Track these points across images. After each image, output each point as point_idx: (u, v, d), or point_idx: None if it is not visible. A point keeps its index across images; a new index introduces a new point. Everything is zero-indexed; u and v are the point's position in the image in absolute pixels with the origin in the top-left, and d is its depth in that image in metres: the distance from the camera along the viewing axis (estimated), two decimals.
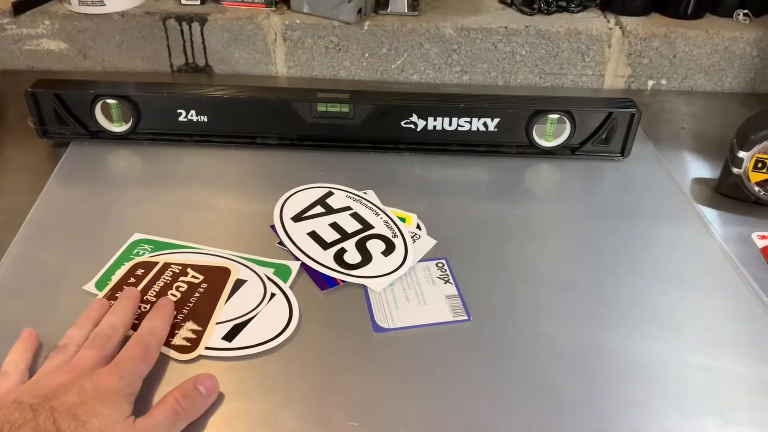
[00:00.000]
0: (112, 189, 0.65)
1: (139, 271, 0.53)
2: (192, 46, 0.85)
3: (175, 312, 0.49)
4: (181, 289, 0.52)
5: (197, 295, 0.51)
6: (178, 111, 0.69)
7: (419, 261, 0.57)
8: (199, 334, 0.48)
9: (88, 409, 0.38)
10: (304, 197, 0.63)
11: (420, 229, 0.61)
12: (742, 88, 0.88)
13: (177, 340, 0.47)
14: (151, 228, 0.59)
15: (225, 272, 0.53)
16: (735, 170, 0.64)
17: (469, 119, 0.69)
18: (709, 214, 0.65)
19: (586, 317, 0.52)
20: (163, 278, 0.53)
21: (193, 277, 0.53)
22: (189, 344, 0.47)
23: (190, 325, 0.49)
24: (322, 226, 0.59)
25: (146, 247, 0.57)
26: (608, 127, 0.69)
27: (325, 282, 0.54)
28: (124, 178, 0.68)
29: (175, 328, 0.48)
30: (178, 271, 0.53)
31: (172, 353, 0.47)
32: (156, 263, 0.54)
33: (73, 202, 0.63)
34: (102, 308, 0.48)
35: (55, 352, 0.44)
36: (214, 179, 0.67)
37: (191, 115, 0.69)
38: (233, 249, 0.56)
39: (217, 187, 0.66)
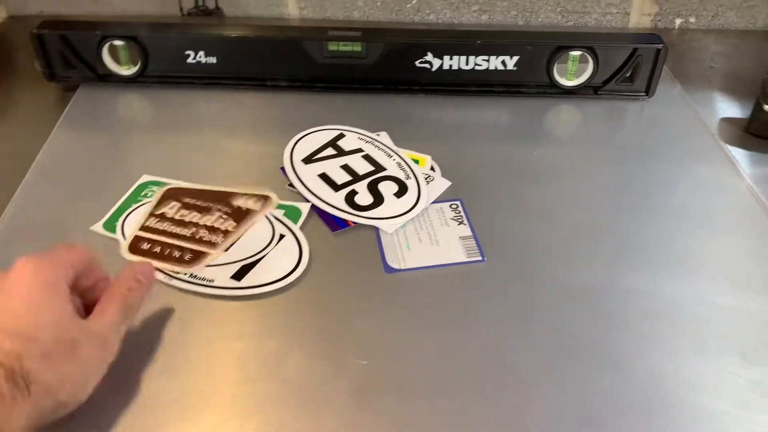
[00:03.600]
0: (120, 132, 0.64)
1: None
2: None
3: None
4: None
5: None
6: (187, 52, 0.67)
7: (433, 202, 0.55)
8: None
9: (19, 323, 0.34)
10: (315, 139, 0.61)
11: (434, 170, 0.59)
12: None
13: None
14: (160, 170, 0.57)
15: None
16: (767, 107, 0.61)
17: (486, 57, 0.66)
18: (738, 154, 0.62)
19: (604, 257, 0.51)
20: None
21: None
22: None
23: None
24: (333, 167, 0.58)
25: (154, 188, 0.56)
26: (633, 65, 0.66)
27: (335, 223, 0.53)
28: (133, 121, 0.67)
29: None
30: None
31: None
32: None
33: (81, 146, 0.62)
34: None
35: None
36: (223, 122, 0.66)
37: (200, 57, 0.67)
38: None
39: (226, 129, 0.64)
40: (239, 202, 0.53)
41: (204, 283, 0.47)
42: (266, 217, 0.52)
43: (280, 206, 0.54)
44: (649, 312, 0.46)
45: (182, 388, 0.40)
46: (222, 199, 0.53)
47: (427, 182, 0.57)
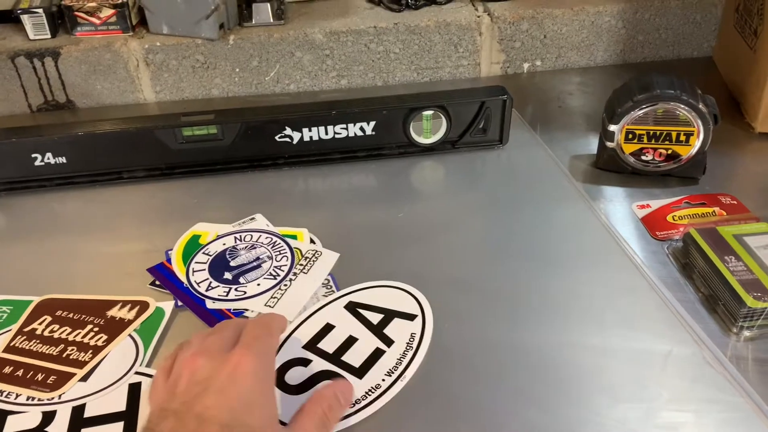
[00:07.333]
0: None
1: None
2: (49, 83, 0.79)
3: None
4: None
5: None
6: (33, 155, 0.64)
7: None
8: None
9: (235, 416, 0.35)
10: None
11: (314, 243, 0.58)
12: (613, 60, 0.90)
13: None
14: (9, 287, 0.54)
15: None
16: (609, 144, 0.65)
17: (344, 125, 0.67)
18: (591, 190, 0.65)
19: (471, 313, 0.51)
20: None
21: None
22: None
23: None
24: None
25: (5, 309, 0.52)
26: (483, 117, 0.68)
27: (213, 316, 0.51)
28: None
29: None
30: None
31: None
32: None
33: None
34: None
35: (180, 348, 0.41)
36: (79, 223, 0.63)
37: (48, 158, 0.64)
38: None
39: (83, 231, 0.62)
40: (113, 312, 0.50)
41: None
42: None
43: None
44: (518, 364, 0.47)
45: None
46: (97, 308, 0.51)
47: (316, 259, 0.56)
